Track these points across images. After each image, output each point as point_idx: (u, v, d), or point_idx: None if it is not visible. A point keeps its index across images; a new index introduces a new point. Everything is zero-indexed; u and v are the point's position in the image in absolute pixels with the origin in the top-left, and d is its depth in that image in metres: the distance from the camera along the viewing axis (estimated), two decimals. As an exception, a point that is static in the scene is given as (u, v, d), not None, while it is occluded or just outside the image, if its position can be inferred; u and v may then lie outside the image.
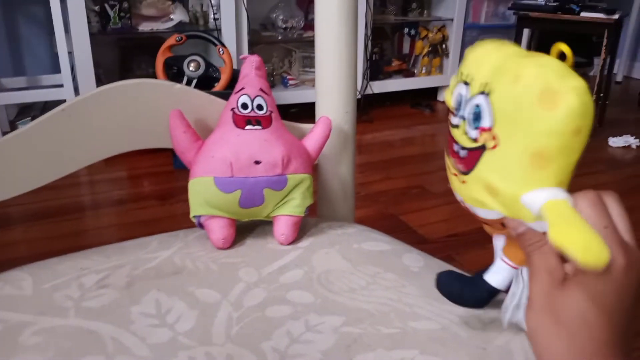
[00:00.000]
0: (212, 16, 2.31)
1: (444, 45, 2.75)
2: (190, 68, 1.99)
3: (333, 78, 0.64)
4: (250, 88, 0.58)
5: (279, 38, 2.54)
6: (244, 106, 0.57)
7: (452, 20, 2.69)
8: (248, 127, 0.56)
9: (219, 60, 2.11)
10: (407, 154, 2.23)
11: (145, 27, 2.22)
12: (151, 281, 0.49)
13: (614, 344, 0.30)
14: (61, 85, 2.13)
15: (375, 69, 2.63)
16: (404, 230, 1.58)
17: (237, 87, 0.59)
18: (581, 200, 0.31)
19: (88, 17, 2.02)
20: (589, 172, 2.04)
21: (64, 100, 2.12)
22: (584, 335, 0.30)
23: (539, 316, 0.32)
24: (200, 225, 0.56)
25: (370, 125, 2.53)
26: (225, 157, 0.53)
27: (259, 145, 0.54)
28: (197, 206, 0.55)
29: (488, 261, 0.41)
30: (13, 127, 2.27)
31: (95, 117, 0.56)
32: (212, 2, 2.30)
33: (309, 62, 2.78)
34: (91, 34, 2.03)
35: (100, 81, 2.20)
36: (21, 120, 2.15)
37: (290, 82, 2.64)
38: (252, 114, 0.56)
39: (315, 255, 0.54)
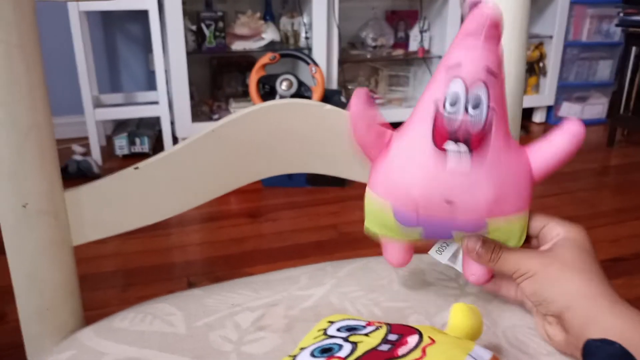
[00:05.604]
0: (303, 35, 2.30)
1: (541, 64, 2.61)
2: (283, 87, 1.99)
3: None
4: (470, 67, 0.37)
5: (368, 57, 2.51)
6: (453, 101, 0.38)
7: (551, 37, 2.55)
8: (450, 148, 0.38)
9: (309, 79, 2.09)
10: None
11: (237, 46, 2.24)
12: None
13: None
14: (156, 102, 2.18)
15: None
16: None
17: (451, 56, 0.39)
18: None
19: (185, 36, 2.06)
20: None
21: (159, 117, 2.18)
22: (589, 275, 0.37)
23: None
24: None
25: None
26: (409, 191, 0.39)
27: (458, 180, 0.38)
28: (372, 223, 0.44)
29: None
30: (110, 142, 2.35)
31: (243, 139, 0.52)
32: (305, 20, 2.30)
33: (395, 80, 2.72)
34: (187, 53, 2.07)
35: (192, 99, 2.24)
36: (118, 135, 2.21)
37: (377, 100, 2.59)
38: (462, 122, 0.38)
39: (492, 304, 0.47)
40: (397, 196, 0.41)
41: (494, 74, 0.38)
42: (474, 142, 0.38)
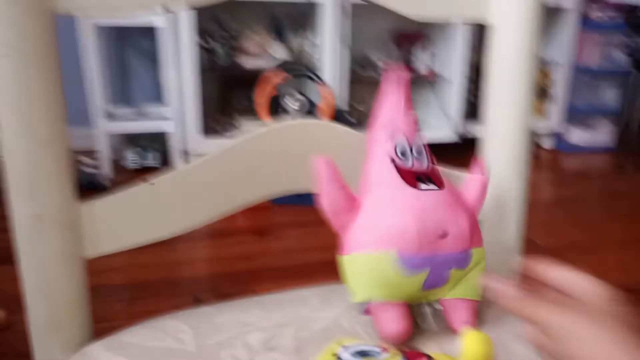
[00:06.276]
0: (312, 54, 2.32)
1: (548, 89, 2.62)
2: (292, 105, 2.00)
3: (506, 124, 0.57)
4: (407, 128, 0.46)
5: (375, 77, 2.52)
6: (402, 152, 0.45)
7: (558, 63, 2.56)
8: (423, 186, 0.43)
9: (317, 98, 2.11)
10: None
11: (248, 63, 2.26)
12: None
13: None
14: (167, 117, 2.19)
15: (472, 110, 2.54)
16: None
17: (384, 123, 0.48)
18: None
19: (197, 53, 2.08)
20: None
21: (169, 132, 2.19)
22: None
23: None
24: (366, 312, 0.45)
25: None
26: (409, 225, 0.41)
27: (445, 212, 0.42)
28: (365, 288, 0.42)
29: None
30: (120, 155, 2.36)
31: (257, 157, 0.52)
32: (315, 40, 2.32)
33: (404, 102, 2.72)
34: (199, 70, 2.09)
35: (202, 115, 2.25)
36: (128, 149, 2.22)
37: (385, 121, 2.59)
38: (417, 167, 0.44)
39: (505, 333, 0.46)
40: (399, 239, 0.41)
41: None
42: (435, 179, 0.44)
